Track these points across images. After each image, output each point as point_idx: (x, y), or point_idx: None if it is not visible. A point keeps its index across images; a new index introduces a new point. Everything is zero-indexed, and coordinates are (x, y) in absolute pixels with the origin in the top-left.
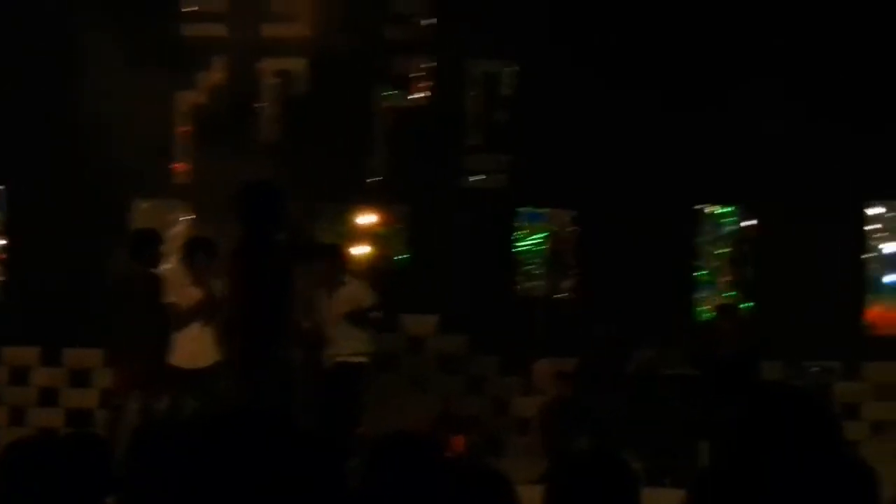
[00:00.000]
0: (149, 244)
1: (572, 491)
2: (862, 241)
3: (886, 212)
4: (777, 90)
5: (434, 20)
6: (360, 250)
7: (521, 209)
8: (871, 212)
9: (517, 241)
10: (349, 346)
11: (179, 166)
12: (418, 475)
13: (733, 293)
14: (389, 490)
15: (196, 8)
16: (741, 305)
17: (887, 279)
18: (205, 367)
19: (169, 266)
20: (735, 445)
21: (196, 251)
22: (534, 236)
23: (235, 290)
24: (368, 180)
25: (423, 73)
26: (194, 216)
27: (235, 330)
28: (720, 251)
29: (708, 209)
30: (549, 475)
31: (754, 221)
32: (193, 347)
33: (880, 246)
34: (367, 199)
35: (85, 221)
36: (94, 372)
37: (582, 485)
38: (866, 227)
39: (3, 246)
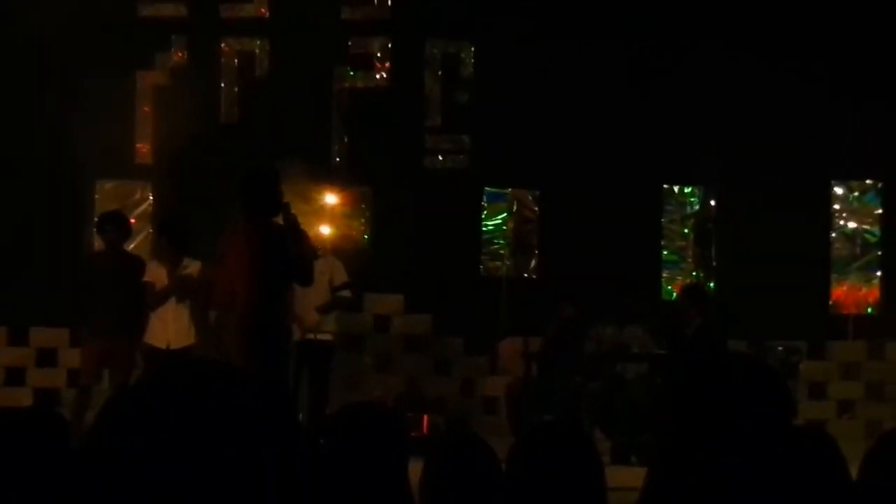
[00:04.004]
0: (112, 224)
1: (533, 460)
2: (827, 221)
3: (851, 192)
4: (742, 72)
5: (391, 0)
6: (324, 230)
7: (485, 189)
8: (835, 191)
9: (481, 222)
10: (317, 324)
11: (141, 146)
12: (381, 444)
13: (698, 273)
14: (353, 459)
15: None
16: (707, 285)
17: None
18: (180, 348)
19: (133, 246)
20: (694, 420)
21: (161, 233)
22: (497, 216)
23: (235, 270)
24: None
25: (382, 54)
26: (157, 196)
27: (234, 309)
28: (685, 231)
29: (672, 189)
30: (512, 447)
31: (718, 200)
32: (168, 328)
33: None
34: (329, 180)
35: (50, 201)
36: (61, 351)
37: (542, 454)
38: (831, 207)
39: None
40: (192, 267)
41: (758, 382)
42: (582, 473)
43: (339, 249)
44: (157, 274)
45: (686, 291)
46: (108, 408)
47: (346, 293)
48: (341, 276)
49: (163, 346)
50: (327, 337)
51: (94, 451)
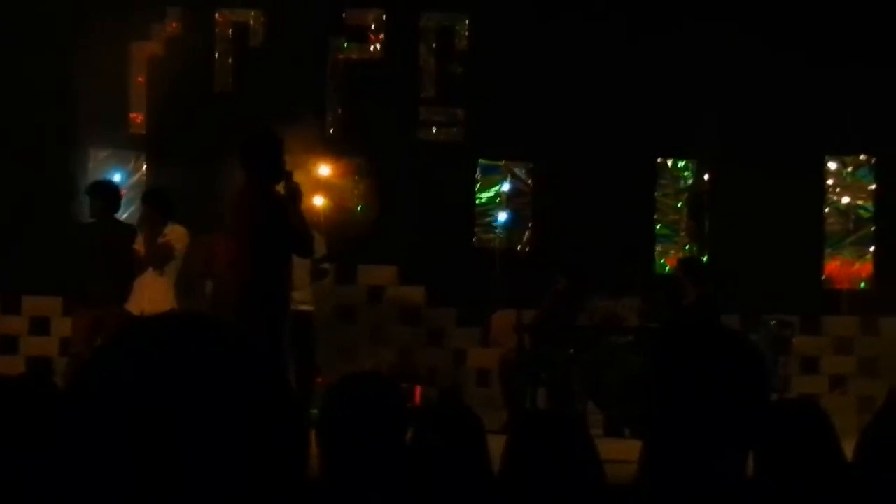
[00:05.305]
0: (98, 195)
1: (526, 451)
2: (820, 196)
3: (844, 167)
4: (736, 46)
5: None
6: (317, 202)
7: (478, 161)
8: (829, 166)
9: (475, 194)
10: (298, 295)
11: (136, 116)
12: (379, 412)
13: (692, 246)
14: (350, 425)
15: None
16: (701, 258)
17: None
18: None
19: (125, 215)
20: (678, 394)
21: (143, 201)
22: (491, 188)
23: (234, 237)
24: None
25: (377, 26)
26: (151, 165)
27: (236, 277)
28: (678, 204)
29: (666, 162)
30: (508, 440)
31: (712, 175)
32: (143, 295)
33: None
34: (323, 151)
35: (44, 170)
36: (54, 320)
37: (535, 444)
38: (825, 182)
39: None
40: (172, 234)
41: (736, 358)
42: (579, 466)
43: (332, 220)
44: (141, 242)
45: (683, 264)
46: (84, 368)
47: (326, 265)
48: (322, 249)
49: (137, 312)
50: (308, 308)
51: (72, 410)
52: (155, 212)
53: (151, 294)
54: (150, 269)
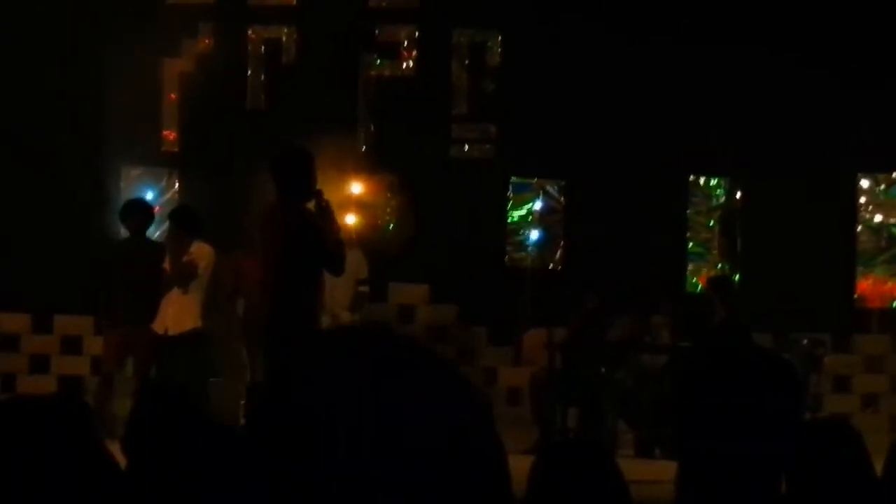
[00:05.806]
0: (136, 212)
1: (549, 478)
2: (853, 214)
3: (877, 185)
4: (770, 63)
5: None
6: (349, 219)
7: (510, 179)
8: (862, 184)
9: (506, 212)
10: (345, 314)
11: (168, 133)
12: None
13: (723, 265)
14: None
15: None
16: (732, 277)
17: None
18: (178, 334)
19: (158, 234)
20: (707, 413)
21: (170, 222)
22: (523, 206)
23: (265, 256)
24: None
25: (409, 42)
26: (183, 183)
27: (267, 295)
28: (710, 223)
29: (698, 180)
30: (532, 466)
31: (744, 193)
32: (166, 313)
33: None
34: (355, 168)
35: (77, 188)
36: (86, 339)
37: (559, 472)
38: (857, 200)
39: None
40: (197, 252)
41: (771, 377)
42: (604, 494)
43: (364, 238)
44: (168, 260)
45: (712, 283)
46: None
47: (364, 288)
48: (364, 272)
49: (161, 331)
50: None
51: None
52: (180, 230)
53: (175, 312)
54: (175, 286)
